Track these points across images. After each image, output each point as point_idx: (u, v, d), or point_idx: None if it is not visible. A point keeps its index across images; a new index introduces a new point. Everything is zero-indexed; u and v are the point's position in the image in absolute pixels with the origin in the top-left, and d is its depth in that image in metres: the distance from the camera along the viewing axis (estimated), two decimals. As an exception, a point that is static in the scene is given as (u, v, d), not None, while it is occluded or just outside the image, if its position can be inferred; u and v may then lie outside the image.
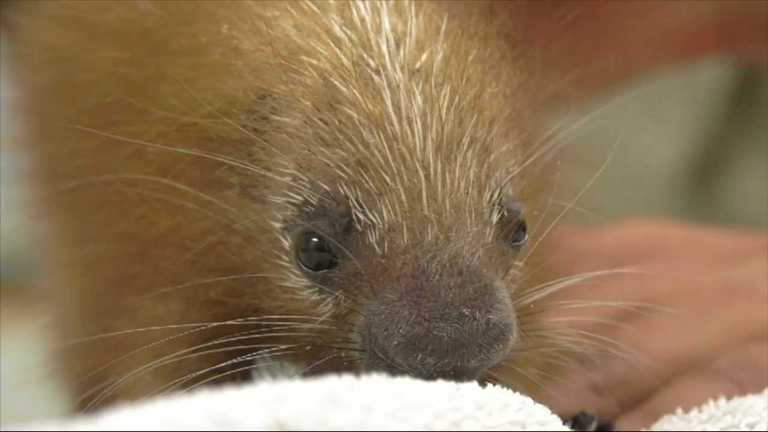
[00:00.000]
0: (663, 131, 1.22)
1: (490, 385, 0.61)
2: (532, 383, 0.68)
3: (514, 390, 0.62)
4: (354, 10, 0.65)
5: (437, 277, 0.60)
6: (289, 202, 0.63)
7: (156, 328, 0.65)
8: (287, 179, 0.63)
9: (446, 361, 0.59)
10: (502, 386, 0.62)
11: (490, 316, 0.60)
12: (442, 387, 0.58)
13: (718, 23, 0.96)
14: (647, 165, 1.25)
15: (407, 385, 0.57)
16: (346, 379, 0.56)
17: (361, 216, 0.62)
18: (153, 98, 0.66)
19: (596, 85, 0.72)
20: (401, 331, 0.59)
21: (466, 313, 0.59)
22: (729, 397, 0.71)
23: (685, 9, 0.94)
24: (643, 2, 0.91)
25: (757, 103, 1.25)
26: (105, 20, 0.69)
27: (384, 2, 0.66)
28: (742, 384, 0.75)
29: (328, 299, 0.63)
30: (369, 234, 0.62)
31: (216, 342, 0.64)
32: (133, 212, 0.67)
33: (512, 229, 0.64)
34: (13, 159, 0.76)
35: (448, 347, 0.59)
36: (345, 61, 0.63)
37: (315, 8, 0.66)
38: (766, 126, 1.24)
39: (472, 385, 0.60)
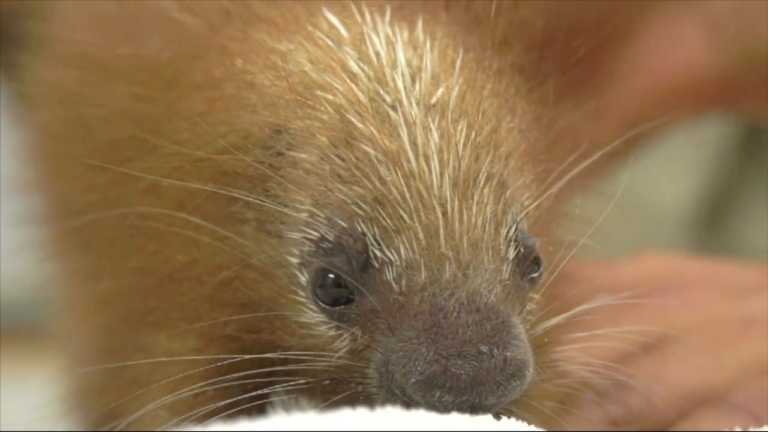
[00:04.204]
0: (675, 172, 1.22)
1: (504, 418, 0.61)
2: (548, 417, 0.67)
3: (529, 423, 0.62)
4: (369, 45, 0.65)
5: (455, 314, 0.60)
6: (306, 238, 0.63)
7: (172, 359, 0.65)
8: (304, 215, 0.63)
9: (464, 398, 0.59)
10: (517, 419, 0.62)
11: (508, 353, 0.59)
12: (457, 419, 0.58)
13: (720, 79, 0.96)
14: (659, 205, 1.24)
15: (421, 417, 0.57)
16: (360, 412, 0.57)
17: (378, 253, 0.61)
18: (166, 133, 0.66)
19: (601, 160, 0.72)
20: (419, 368, 0.59)
21: (484, 350, 0.59)
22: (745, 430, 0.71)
23: (685, 65, 0.94)
24: (642, 57, 0.91)
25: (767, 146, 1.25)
26: (116, 56, 0.68)
27: (399, 36, 0.65)
28: (759, 417, 0.74)
29: (345, 335, 0.63)
30: (386, 271, 0.61)
31: (232, 376, 0.64)
32: (147, 247, 0.67)
33: (528, 265, 0.64)
34: (21, 202, 0.76)
35: (466, 385, 0.59)
36: (361, 96, 0.63)
37: (330, 42, 0.65)
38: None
39: (487, 418, 0.60)
